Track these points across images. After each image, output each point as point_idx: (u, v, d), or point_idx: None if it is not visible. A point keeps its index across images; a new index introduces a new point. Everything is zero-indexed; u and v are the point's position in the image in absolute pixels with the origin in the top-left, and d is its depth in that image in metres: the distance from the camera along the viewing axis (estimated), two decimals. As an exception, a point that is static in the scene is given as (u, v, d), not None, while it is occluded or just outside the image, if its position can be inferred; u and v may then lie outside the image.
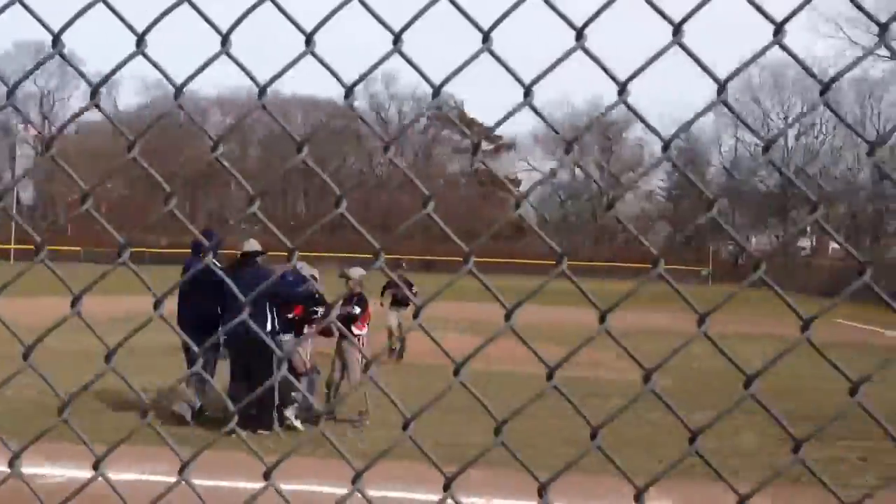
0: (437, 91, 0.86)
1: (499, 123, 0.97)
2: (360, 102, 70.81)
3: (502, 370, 11.61)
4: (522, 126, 69.36)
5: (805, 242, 60.27)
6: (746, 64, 1.09)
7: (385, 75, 68.16)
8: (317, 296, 9.25)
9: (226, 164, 0.89)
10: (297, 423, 8.81)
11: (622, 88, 0.85)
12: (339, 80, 0.87)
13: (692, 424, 5.24)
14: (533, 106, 0.87)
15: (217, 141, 0.88)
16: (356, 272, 9.61)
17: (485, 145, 70.69)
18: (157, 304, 1.01)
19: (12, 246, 45.76)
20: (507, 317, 0.92)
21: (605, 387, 11.36)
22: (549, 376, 0.85)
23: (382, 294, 14.14)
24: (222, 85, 59.30)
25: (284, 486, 1.27)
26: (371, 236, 0.89)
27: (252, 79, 0.82)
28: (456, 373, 0.94)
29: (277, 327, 8.75)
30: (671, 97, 65.09)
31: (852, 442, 8.38)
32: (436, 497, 4.47)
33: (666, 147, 0.90)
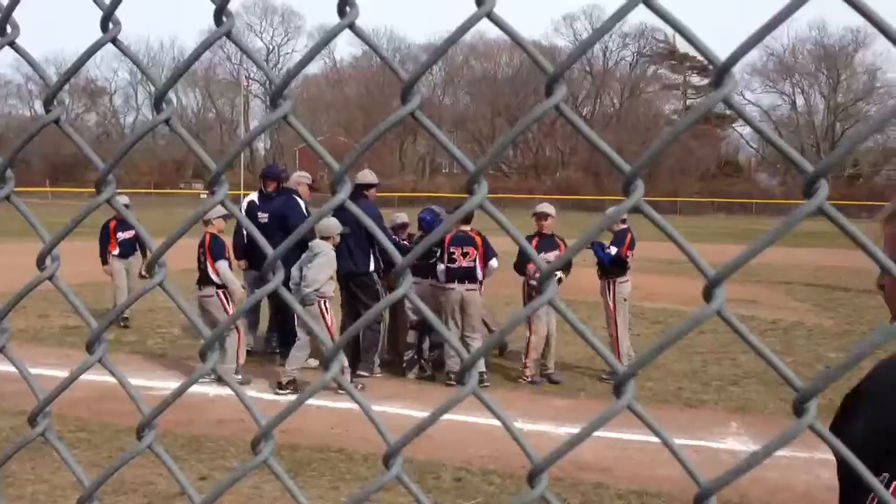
0: None
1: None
2: (565, 43, 69.02)
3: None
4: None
5: None
6: None
7: (588, 8, 66.44)
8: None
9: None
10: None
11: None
12: None
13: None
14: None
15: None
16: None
17: (697, 80, 67.08)
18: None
19: (241, 192, 49.14)
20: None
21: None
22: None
23: None
24: (433, 33, 60.13)
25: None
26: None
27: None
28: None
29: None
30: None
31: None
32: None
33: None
